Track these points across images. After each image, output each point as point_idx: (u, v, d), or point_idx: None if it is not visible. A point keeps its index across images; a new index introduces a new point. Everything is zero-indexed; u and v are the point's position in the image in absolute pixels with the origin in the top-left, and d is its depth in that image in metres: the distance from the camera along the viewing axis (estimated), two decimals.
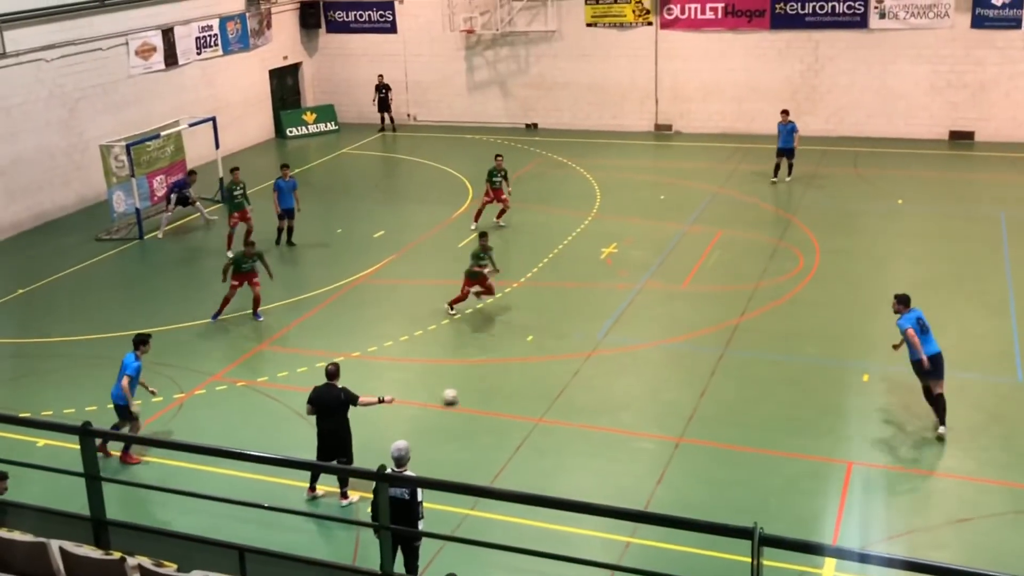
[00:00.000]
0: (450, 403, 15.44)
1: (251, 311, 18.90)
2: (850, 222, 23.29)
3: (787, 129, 26.16)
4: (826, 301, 18.92)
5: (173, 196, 24.49)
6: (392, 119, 34.74)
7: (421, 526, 10.50)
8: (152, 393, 14.93)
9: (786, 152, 26.28)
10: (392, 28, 35.31)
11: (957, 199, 24.80)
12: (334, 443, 12.83)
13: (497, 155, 23.94)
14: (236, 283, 18.67)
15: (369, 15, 35.56)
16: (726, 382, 16.05)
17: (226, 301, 18.80)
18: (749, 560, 5.54)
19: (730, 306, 18.83)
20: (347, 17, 35.83)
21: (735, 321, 18.20)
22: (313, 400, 12.96)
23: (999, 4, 28.95)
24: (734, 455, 14.00)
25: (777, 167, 26.46)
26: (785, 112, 26.60)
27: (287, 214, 22.81)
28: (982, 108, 29.54)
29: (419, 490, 10.44)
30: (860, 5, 30.30)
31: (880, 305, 18.49)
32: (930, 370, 13.97)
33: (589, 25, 33.18)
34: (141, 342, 14.37)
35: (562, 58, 33.57)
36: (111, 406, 14.30)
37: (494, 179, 23.38)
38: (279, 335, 18.39)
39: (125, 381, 13.96)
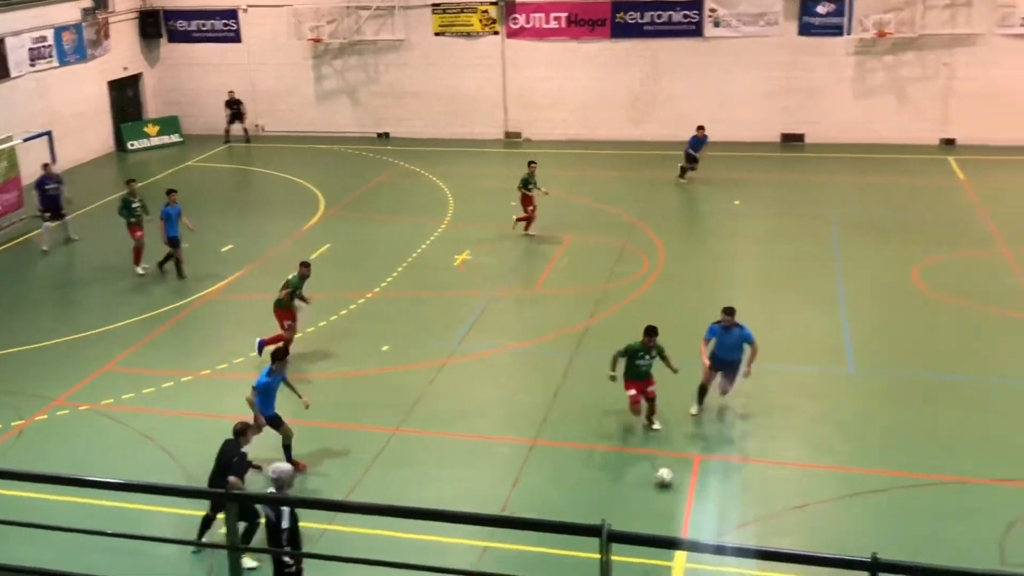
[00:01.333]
0: (665, 485, 13.28)
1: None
2: (691, 224, 24.07)
3: (699, 140, 26.77)
4: (669, 301, 19.48)
5: (40, 198, 23.15)
6: (246, 130, 33.99)
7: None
8: None
9: (692, 159, 26.84)
10: (236, 37, 34.59)
11: (790, 199, 25.91)
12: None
13: (531, 161, 23.78)
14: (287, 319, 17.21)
15: (212, 24, 34.73)
16: (578, 383, 16.35)
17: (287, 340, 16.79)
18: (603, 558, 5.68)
19: (580, 309, 19.19)
20: (189, 26, 34.91)
21: (585, 324, 18.56)
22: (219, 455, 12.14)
23: (824, 12, 30.41)
24: (587, 454, 14.28)
25: (683, 169, 27.04)
26: (701, 128, 27.12)
27: (173, 243, 21.05)
28: (811, 112, 30.96)
29: (285, 515, 10.21)
30: (695, 14, 31.34)
31: (719, 303, 19.17)
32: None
33: (437, 34, 33.27)
34: (278, 357, 13.94)
35: (412, 67, 33.55)
36: None
37: (529, 186, 23.21)
38: (124, 355, 17.77)
39: (250, 394, 13.69)
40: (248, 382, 16.58)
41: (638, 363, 14.47)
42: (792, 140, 31.14)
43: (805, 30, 30.68)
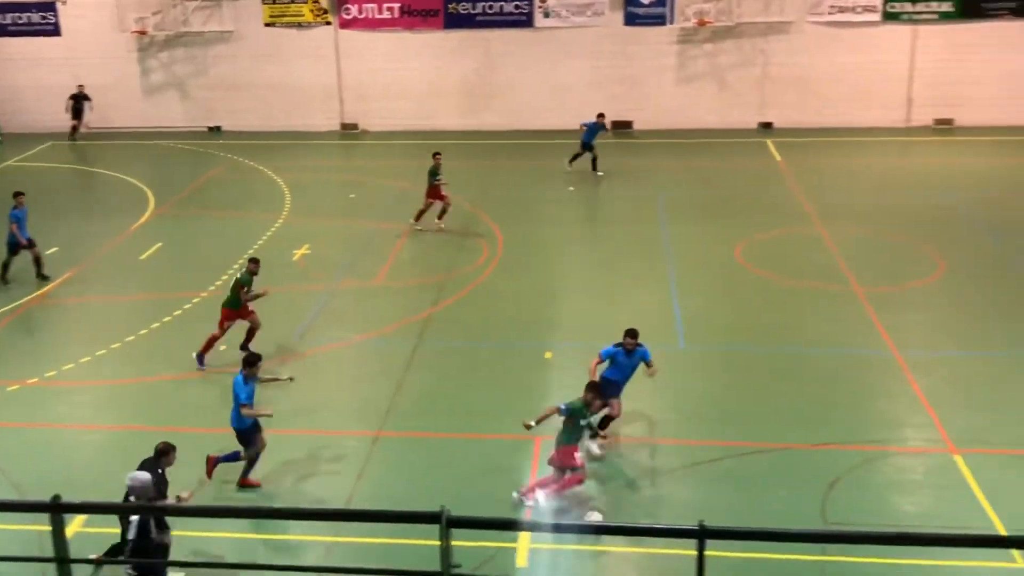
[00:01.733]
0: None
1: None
2: (529, 211, 24.32)
3: (596, 128, 26.58)
4: (510, 287, 19.68)
5: None
6: (75, 127, 32.27)
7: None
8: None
9: (588, 147, 26.73)
10: (56, 31, 32.93)
11: (621, 184, 26.51)
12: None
13: (436, 153, 23.04)
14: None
15: (28, 17, 32.96)
16: (421, 373, 16.33)
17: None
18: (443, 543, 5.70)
19: (422, 299, 19.16)
20: (4, 20, 33.02)
21: (427, 313, 18.55)
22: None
23: (647, 3, 31.20)
24: (432, 443, 14.29)
25: (595, 159, 26.69)
26: (601, 115, 26.96)
27: (26, 245, 19.92)
28: (637, 99, 31.76)
29: (132, 527, 9.82)
30: (526, 5, 31.66)
31: (557, 287, 19.54)
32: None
33: (268, 25, 32.52)
34: (250, 363, 13.15)
35: (242, 59, 32.69)
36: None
37: (436, 177, 22.50)
38: None
39: (246, 411, 12.90)
40: (82, 390, 15.91)
41: (581, 424, 12.48)
42: (621, 127, 31.86)
43: (630, 20, 31.41)
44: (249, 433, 13.13)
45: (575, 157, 26.79)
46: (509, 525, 8.10)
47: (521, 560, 11.37)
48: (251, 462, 13.20)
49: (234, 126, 32.93)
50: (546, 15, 31.69)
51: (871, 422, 14.44)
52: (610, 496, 12.91)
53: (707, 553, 5.21)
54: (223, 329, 16.67)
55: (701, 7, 30.84)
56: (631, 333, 13.95)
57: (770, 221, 23.03)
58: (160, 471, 10.95)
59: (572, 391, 15.48)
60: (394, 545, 11.47)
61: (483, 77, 32.25)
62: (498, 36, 31.92)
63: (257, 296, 16.74)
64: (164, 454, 11.15)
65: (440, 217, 22.77)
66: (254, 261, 17.08)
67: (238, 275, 17.02)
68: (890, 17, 30.47)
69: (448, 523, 5.72)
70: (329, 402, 15.51)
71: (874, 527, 11.38)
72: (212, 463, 13.22)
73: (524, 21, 31.81)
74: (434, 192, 22.60)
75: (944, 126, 30.53)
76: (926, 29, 30.31)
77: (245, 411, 12.98)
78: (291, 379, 14.40)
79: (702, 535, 5.67)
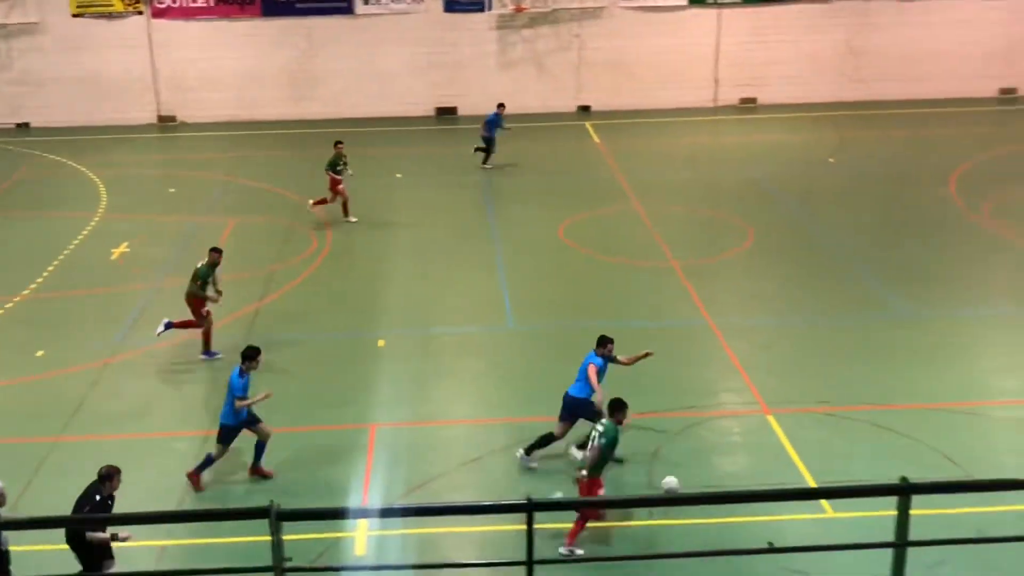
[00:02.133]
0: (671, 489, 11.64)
1: None
2: (357, 199, 24.00)
3: (497, 119, 25.91)
4: (340, 277, 19.45)
5: None
6: None
7: None
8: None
9: (490, 140, 26.04)
10: None
11: (447, 170, 26.56)
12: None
13: (337, 142, 22.15)
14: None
15: None
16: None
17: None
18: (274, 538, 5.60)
19: (250, 292, 18.70)
20: None
21: (255, 306, 18.12)
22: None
23: None
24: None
25: (480, 150, 26.13)
26: (501, 106, 26.31)
27: None
28: (460, 85, 31.84)
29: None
30: None
31: (387, 275, 19.43)
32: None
33: (76, 15, 30.93)
34: (250, 356, 12.78)
35: (50, 51, 30.98)
36: None
37: (337, 168, 21.74)
38: None
39: (240, 403, 12.51)
40: None
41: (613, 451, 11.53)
42: (446, 113, 31.88)
43: (450, 6, 31.43)
44: (237, 430, 12.78)
45: (481, 150, 26.11)
46: (337, 514, 8.03)
47: (360, 549, 11.31)
48: (259, 451, 12.90)
49: (43, 122, 31.21)
50: (366, 2, 31.33)
51: (691, 389, 15.01)
52: (449, 477, 12.96)
53: (538, 526, 5.32)
54: (203, 316, 15.95)
55: None
56: (608, 339, 13.10)
57: (592, 201, 23.55)
58: (100, 496, 10.19)
59: (406, 377, 15.48)
60: (232, 544, 11.20)
61: (304, 65, 31.65)
62: (319, 24, 31.36)
63: (215, 291, 16.04)
64: (108, 478, 10.36)
65: (319, 202, 22.23)
66: (216, 251, 16.26)
67: (198, 266, 16.10)
68: (696, 2, 31.56)
69: (278, 517, 5.64)
70: (156, 404, 14.97)
71: (698, 489, 11.85)
72: (194, 478, 12.69)
73: (345, 8, 31.37)
74: (334, 183, 22.06)
75: (749, 104, 31.91)
76: (730, 12, 31.55)
77: (240, 403, 12.61)
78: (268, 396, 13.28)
79: (530, 508, 5.80)
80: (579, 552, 10.88)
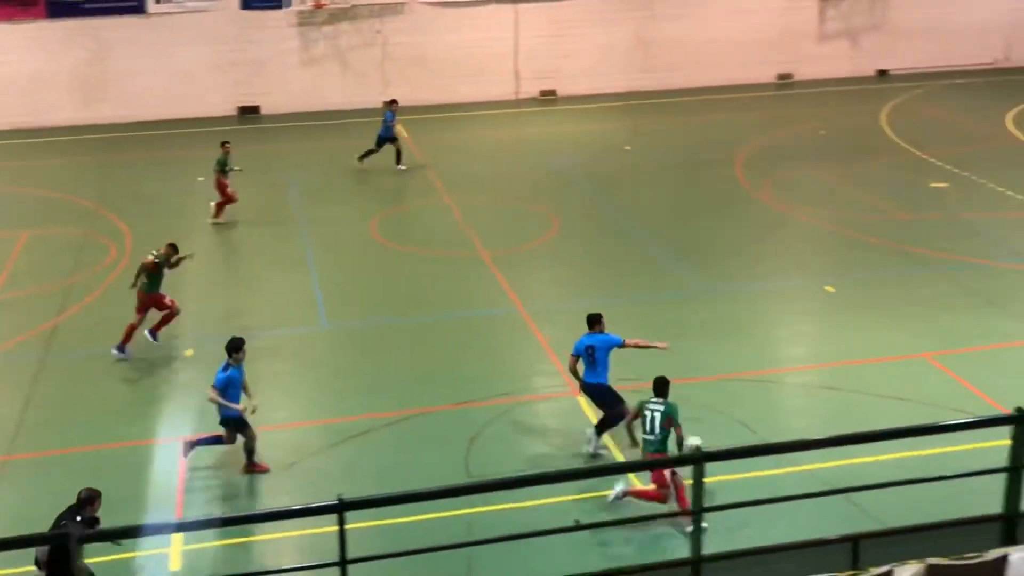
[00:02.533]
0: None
1: None
2: (155, 205, 23.07)
3: (388, 118, 24.66)
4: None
5: None
6: None
7: None
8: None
9: (388, 140, 24.78)
10: None
11: (252, 170, 25.76)
12: None
13: (224, 142, 21.58)
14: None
15: None
16: (52, 386, 15.09)
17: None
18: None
19: (46, 308, 17.66)
20: None
21: (53, 322, 17.14)
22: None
23: None
24: (71, 459, 13.26)
25: (369, 153, 24.93)
26: (392, 102, 25.01)
27: None
28: (262, 83, 31.05)
29: None
30: None
31: (195, 281, 18.66)
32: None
33: None
34: (235, 348, 12.67)
35: None
36: None
37: (225, 168, 21.25)
38: None
39: (212, 393, 12.39)
40: None
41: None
42: (249, 112, 31.03)
43: (247, 4, 30.55)
44: (234, 422, 12.65)
45: (367, 154, 24.99)
46: (132, 532, 7.67)
47: (174, 564, 10.90)
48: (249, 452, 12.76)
49: None
50: (158, 1, 30.05)
51: (505, 376, 15.21)
52: (268, 481, 12.65)
53: (355, 525, 5.26)
54: (170, 304, 15.98)
55: None
56: (596, 318, 13.13)
57: (402, 196, 23.51)
58: (82, 520, 9.39)
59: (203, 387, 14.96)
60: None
61: (95, 68, 30.08)
62: (109, 24, 29.86)
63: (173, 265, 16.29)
64: (89, 502, 9.62)
65: (218, 213, 21.51)
66: (171, 246, 16.37)
67: (153, 255, 16.07)
68: None
69: (80, 540, 5.39)
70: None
71: (514, 473, 12.02)
72: (189, 444, 12.88)
73: (136, 8, 29.99)
74: (221, 184, 21.34)
75: (549, 96, 32.53)
76: (527, 7, 32.04)
77: (211, 394, 12.50)
78: (253, 409, 12.78)
79: (341, 508, 5.75)
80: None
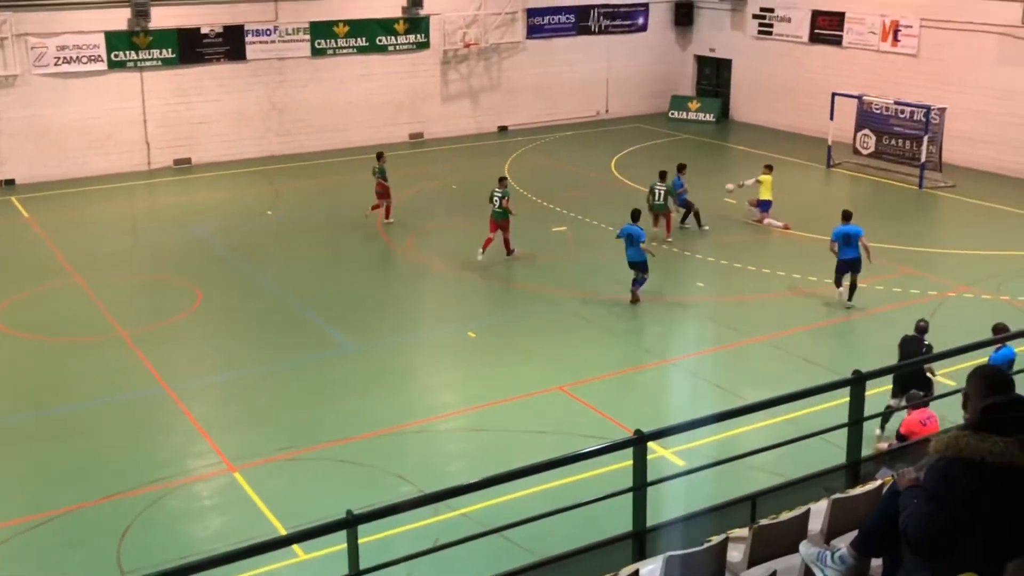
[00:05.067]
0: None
1: None
2: None
3: None
4: None
5: None
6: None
7: None
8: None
9: None
10: None
11: None
12: None
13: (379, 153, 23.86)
14: None
15: None
16: None
17: None
18: None
19: None
20: None
21: None
22: None
23: None
24: None
25: None
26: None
27: None
28: None
29: None
30: None
31: None
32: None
33: None
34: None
35: None
36: None
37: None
38: None
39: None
40: None
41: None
42: None
43: None
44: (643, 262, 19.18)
45: None
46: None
47: None
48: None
49: None
50: None
51: (155, 461, 14.22)
52: None
53: None
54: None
55: None
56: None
57: (28, 281, 21.44)
58: None
59: None
60: None
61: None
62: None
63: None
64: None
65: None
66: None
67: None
68: (116, 65, 30.20)
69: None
70: None
71: (171, 562, 11.21)
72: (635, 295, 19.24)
73: None
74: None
75: (184, 165, 31.27)
76: (152, 75, 30.66)
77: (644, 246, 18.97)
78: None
79: None
80: None
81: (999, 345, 12.59)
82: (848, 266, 18.90)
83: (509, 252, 22.20)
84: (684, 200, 24.00)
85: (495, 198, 21.99)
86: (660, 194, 23.30)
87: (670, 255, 22.56)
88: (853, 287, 19.09)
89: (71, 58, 29.60)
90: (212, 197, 28.21)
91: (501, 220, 22.00)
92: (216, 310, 19.86)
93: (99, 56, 29.95)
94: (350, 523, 6.33)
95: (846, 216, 19.21)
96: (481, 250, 21.78)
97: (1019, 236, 23.53)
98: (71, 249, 23.36)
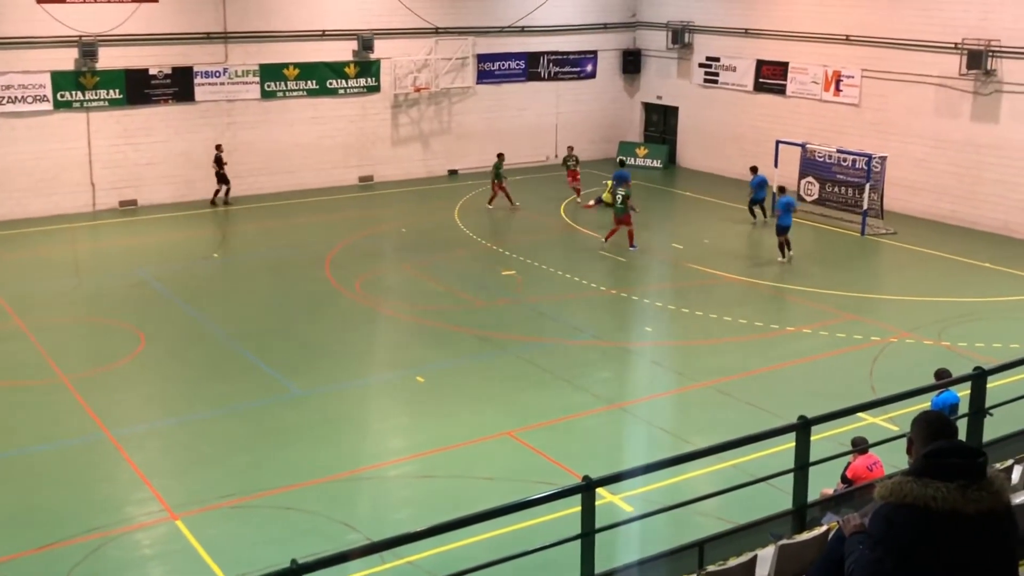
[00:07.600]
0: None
1: None
2: None
3: None
4: None
5: None
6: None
7: None
8: None
9: None
10: None
11: None
12: None
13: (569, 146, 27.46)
14: None
15: None
16: None
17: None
18: None
19: None
20: None
21: None
22: None
23: None
24: None
25: None
26: None
27: None
28: None
29: None
30: None
31: None
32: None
33: None
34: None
35: None
36: None
37: (568, 163, 27.54)
38: None
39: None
40: None
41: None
42: None
43: None
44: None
45: None
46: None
47: None
48: None
49: None
50: None
51: (95, 509, 13.88)
52: None
53: None
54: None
55: None
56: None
57: None
58: None
59: None
60: None
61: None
62: None
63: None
64: None
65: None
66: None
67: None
68: (62, 105, 29.86)
69: None
70: None
71: None
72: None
73: None
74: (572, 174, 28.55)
75: (129, 207, 30.89)
76: (98, 116, 30.36)
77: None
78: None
79: None
80: None
81: (941, 390, 12.57)
82: None
83: (632, 245, 25.65)
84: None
85: (618, 195, 25.52)
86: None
87: (619, 300, 22.75)
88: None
89: (16, 97, 29.22)
90: (158, 239, 27.88)
91: (622, 215, 25.37)
92: (160, 354, 19.54)
93: (45, 96, 29.61)
94: (295, 572, 6.24)
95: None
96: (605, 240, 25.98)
97: (959, 282, 24.08)
98: (12, 291, 22.90)
